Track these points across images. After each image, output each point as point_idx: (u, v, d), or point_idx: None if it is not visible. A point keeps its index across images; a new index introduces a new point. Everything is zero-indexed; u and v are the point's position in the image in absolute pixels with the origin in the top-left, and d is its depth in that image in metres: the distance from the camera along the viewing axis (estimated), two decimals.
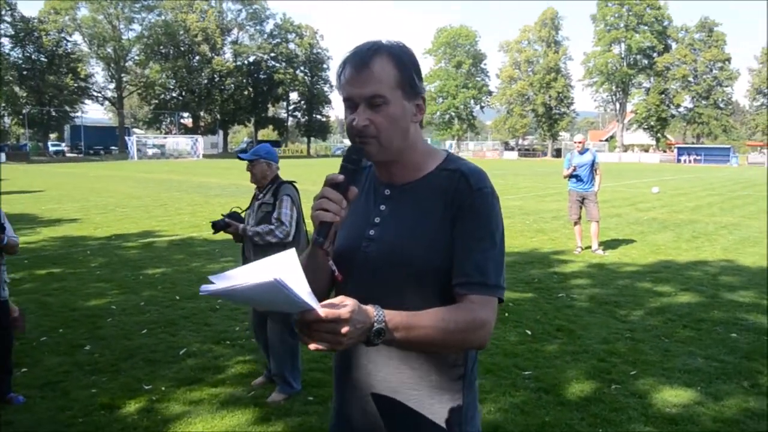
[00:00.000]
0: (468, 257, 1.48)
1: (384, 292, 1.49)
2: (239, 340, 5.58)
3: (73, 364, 4.96)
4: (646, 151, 73.22)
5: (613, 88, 74.55)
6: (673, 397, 4.33)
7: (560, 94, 75.93)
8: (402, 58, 1.52)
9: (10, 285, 7.58)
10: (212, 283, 1.27)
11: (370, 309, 1.32)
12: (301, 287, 1.23)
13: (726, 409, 4.15)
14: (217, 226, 4.49)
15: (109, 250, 10.18)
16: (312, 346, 1.27)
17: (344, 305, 1.27)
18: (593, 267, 8.83)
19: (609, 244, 10.56)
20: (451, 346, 1.49)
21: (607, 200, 17.74)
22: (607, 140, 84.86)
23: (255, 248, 4.34)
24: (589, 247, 10.01)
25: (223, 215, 4.56)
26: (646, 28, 71.67)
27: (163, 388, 4.46)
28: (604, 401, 4.24)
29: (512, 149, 77.83)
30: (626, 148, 75.81)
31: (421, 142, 1.61)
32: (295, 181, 4.59)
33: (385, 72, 1.49)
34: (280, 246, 4.11)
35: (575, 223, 10.15)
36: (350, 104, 1.51)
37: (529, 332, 5.75)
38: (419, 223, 1.53)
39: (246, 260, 4.49)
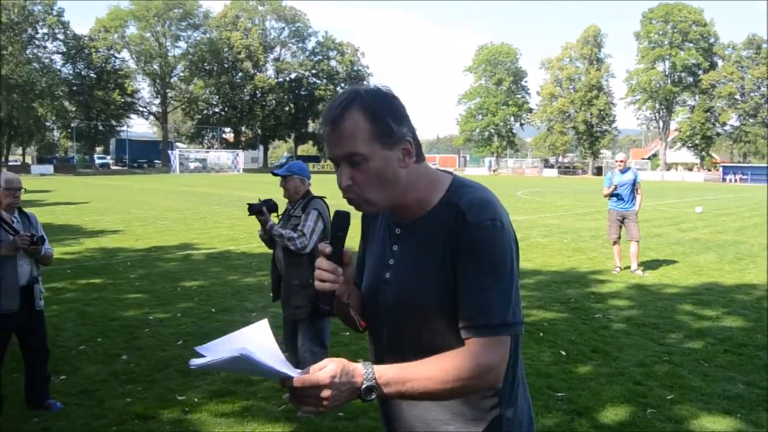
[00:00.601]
0: (469, 298, 1.43)
1: (402, 332, 1.53)
2: None
3: (109, 373, 5.07)
4: (690, 170, 71.59)
5: (657, 105, 73.26)
6: (711, 423, 4.20)
7: (602, 112, 74.94)
8: (373, 109, 1.44)
9: (52, 293, 7.84)
10: (200, 356, 1.36)
11: (359, 367, 1.34)
12: (273, 357, 1.29)
13: None
14: (253, 209, 4.55)
15: (149, 262, 10.39)
16: (300, 413, 1.34)
17: (325, 369, 1.30)
18: (632, 288, 8.65)
19: (649, 265, 10.34)
20: (455, 395, 1.44)
21: (648, 219, 17.39)
22: (649, 158, 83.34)
23: (284, 252, 4.46)
24: (629, 267, 9.82)
25: (260, 199, 4.62)
26: (691, 45, 70.39)
27: (195, 400, 4.51)
28: (639, 425, 4.13)
29: (552, 167, 77.05)
30: (669, 166, 74.33)
31: (423, 177, 1.54)
32: (325, 197, 4.65)
33: (358, 127, 1.43)
34: (303, 255, 4.33)
35: (614, 243, 9.97)
36: (335, 163, 1.49)
37: (563, 353, 5.65)
38: (424, 266, 1.50)
39: (276, 262, 4.62)
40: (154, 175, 53.36)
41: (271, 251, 4.77)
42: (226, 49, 71.42)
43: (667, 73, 72.55)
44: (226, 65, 72.73)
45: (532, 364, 5.28)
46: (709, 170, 69.30)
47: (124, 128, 73.80)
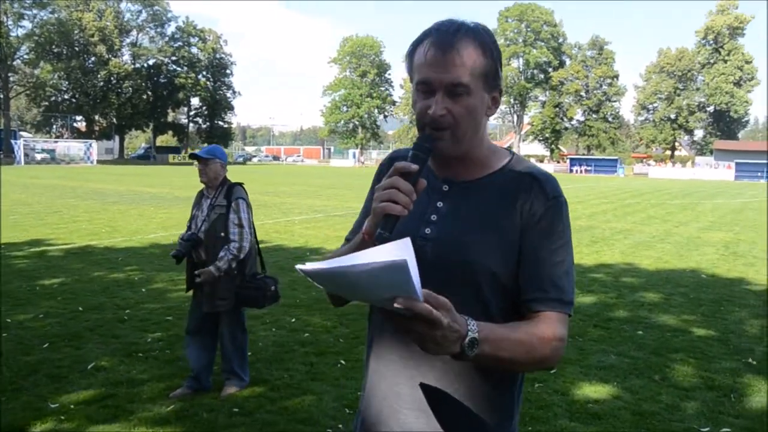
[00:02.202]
0: (543, 271, 1.38)
1: (447, 291, 1.32)
2: (152, 352, 5.28)
3: None
4: (541, 161, 76.49)
5: (512, 100, 77.61)
6: (593, 393, 4.49)
7: None
8: (489, 45, 1.38)
9: None
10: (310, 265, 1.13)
11: (463, 317, 1.20)
12: (416, 274, 1.10)
13: (642, 402, 4.35)
14: (179, 256, 4.34)
15: None
16: (422, 343, 1.15)
17: (442, 305, 1.14)
18: None
19: None
20: (531, 364, 1.37)
21: None
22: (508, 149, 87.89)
23: (209, 244, 4.35)
24: None
25: (181, 239, 4.37)
26: (542, 44, 75.24)
27: (72, 406, 4.13)
28: (530, 400, 4.32)
29: None
30: None
31: (487, 138, 1.49)
32: (243, 183, 4.56)
33: (471, 58, 1.35)
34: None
35: None
36: (426, 89, 1.37)
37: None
38: (480, 225, 1.41)
39: (192, 253, 4.42)
40: None
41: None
42: (77, 31, 66.18)
43: (521, 69, 76.97)
44: (77, 48, 67.44)
45: None
46: (558, 162, 74.42)
47: None
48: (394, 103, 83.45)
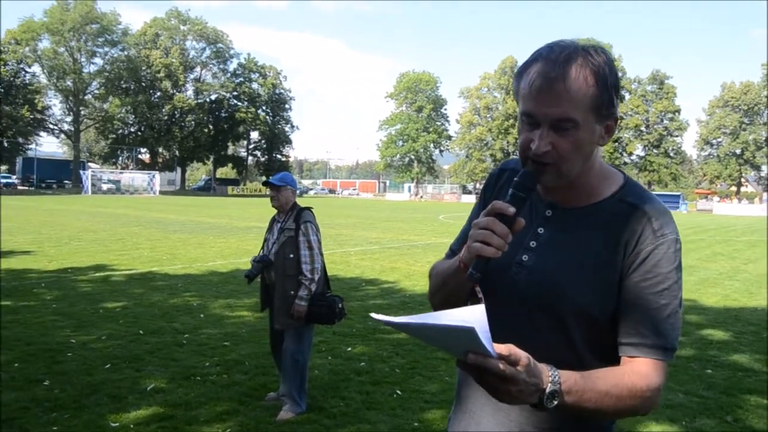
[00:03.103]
0: (644, 315, 1.30)
1: (525, 325, 1.34)
2: (210, 376, 5.32)
3: (31, 400, 4.63)
4: None
5: None
6: (661, 431, 4.27)
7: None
8: (605, 74, 1.27)
9: None
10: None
11: (545, 368, 1.17)
12: (487, 337, 1.11)
13: None
14: (250, 276, 4.58)
15: (65, 283, 9.75)
16: (498, 396, 1.14)
17: (518, 360, 1.12)
18: None
19: None
20: (618, 414, 1.29)
21: None
22: None
23: (279, 263, 4.50)
24: None
25: (253, 261, 4.62)
26: None
27: (131, 426, 4.18)
28: None
29: (470, 193, 78.93)
30: None
31: (599, 162, 1.39)
32: (312, 207, 4.75)
33: (581, 91, 1.25)
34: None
35: None
36: (531, 120, 1.29)
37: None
38: (581, 258, 1.33)
39: (265, 274, 4.66)
40: (64, 196, 50.77)
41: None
42: (144, 68, 69.35)
43: None
44: (144, 84, 70.55)
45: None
46: None
47: (33, 146, 70.01)
48: (449, 137, 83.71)
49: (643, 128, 74.79)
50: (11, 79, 64.30)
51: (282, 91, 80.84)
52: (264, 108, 78.94)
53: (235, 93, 76.91)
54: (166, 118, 72.23)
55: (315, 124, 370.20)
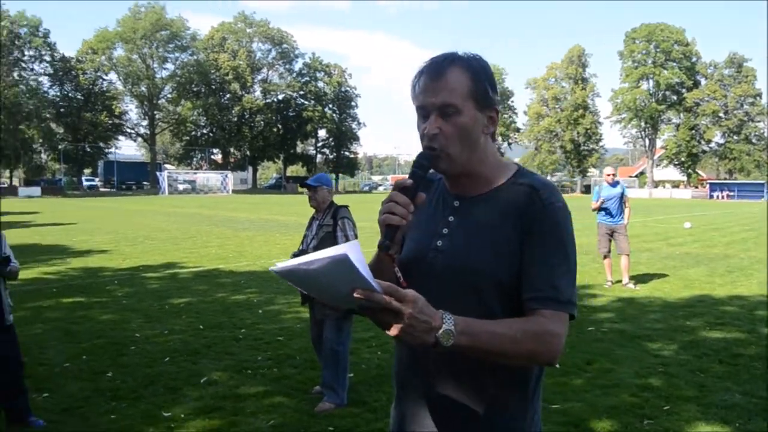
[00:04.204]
0: (539, 272, 1.47)
1: (446, 303, 1.45)
2: (261, 370, 5.50)
3: (94, 390, 4.93)
4: (677, 187, 72.26)
5: (642, 124, 73.98)
6: None
7: (588, 131, 75.66)
8: (476, 69, 1.53)
9: (36, 312, 7.71)
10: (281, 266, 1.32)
11: (439, 312, 1.32)
12: (365, 269, 1.25)
13: None
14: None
15: (136, 280, 10.25)
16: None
17: (404, 297, 1.28)
18: (624, 301, 8.60)
19: (640, 278, 10.31)
20: (519, 357, 1.44)
21: (638, 235, 17.42)
22: (637, 176, 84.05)
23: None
24: (620, 281, 9.78)
25: (292, 256, 4.70)
26: (674, 64, 71.36)
27: (182, 416, 4.39)
28: None
29: None
30: (657, 184, 74.98)
31: (493, 155, 1.60)
32: (347, 205, 4.92)
33: (458, 82, 1.50)
34: None
35: (605, 257, 9.95)
36: (423, 113, 1.53)
37: (557, 366, 5.56)
38: (487, 236, 1.52)
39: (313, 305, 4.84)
40: (142, 197, 53.04)
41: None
42: (213, 71, 71.51)
43: (651, 91, 73.40)
44: (213, 87, 72.75)
45: None
46: (696, 187, 69.93)
47: (112, 150, 73.52)
48: (517, 130, 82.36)
49: (721, 114, 71.40)
50: (90, 86, 67.75)
51: (348, 88, 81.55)
52: (330, 106, 79.85)
53: (301, 92, 78.14)
54: (236, 119, 74.25)
55: (383, 121, 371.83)
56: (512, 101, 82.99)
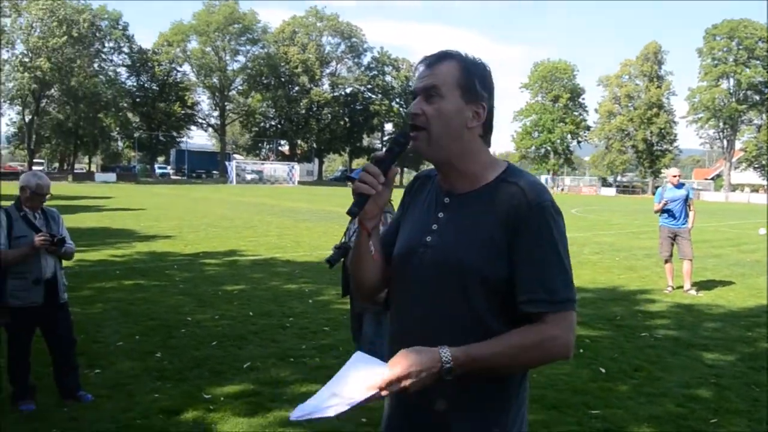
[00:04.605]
0: (531, 274, 1.48)
1: (434, 299, 1.54)
2: (303, 359, 5.58)
3: (142, 369, 5.13)
4: (757, 191, 68.88)
5: (721, 124, 70.75)
6: None
7: (662, 130, 72.95)
8: (470, 65, 1.57)
9: (98, 292, 8.06)
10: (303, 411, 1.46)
11: (435, 352, 1.40)
12: (360, 392, 1.40)
13: None
14: (330, 261, 4.66)
15: (195, 266, 10.57)
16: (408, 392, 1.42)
17: (396, 367, 1.39)
18: (683, 307, 8.28)
19: (704, 285, 9.91)
20: (525, 367, 1.56)
21: (708, 240, 16.75)
22: (713, 179, 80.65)
23: None
24: (681, 286, 9.42)
25: (335, 247, 4.75)
26: (757, 62, 67.86)
27: (222, 399, 4.51)
28: None
29: (610, 186, 75.34)
30: (734, 187, 71.67)
31: (484, 153, 1.62)
32: (392, 200, 4.84)
33: (447, 71, 1.55)
34: None
35: (666, 261, 9.60)
36: (413, 97, 1.60)
37: (603, 370, 5.43)
38: (474, 233, 1.53)
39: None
40: (211, 185, 54.64)
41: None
42: (283, 64, 72.75)
43: (731, 90, 70.05)
44: (283, 79, 74.02)
45: (568, 381, 5.08)
46: None
47: (184, 139, 76.06)
48: (588, 128, 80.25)
49: None
50: (165, 78, 70.27)
51: None
52: (397, 100, 79.93)
53: (369, 86, 78.58)
54: (303, 111, 75.36)
55: None
56: (583, 98, 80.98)
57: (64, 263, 4.59)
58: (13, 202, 4.44)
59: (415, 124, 1.56)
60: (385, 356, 4.54)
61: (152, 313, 7.10)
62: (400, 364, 1.38)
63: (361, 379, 1.41)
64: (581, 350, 5.94)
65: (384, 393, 1.37)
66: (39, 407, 4.32)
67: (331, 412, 1.37)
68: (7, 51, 55.24)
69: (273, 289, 8.75)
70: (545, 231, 1.49)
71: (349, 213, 1.54)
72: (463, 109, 1.55)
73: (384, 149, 1.59)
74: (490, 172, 1.59)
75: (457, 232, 1.56)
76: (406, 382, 1.37)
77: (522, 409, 1.60)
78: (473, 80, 1.55)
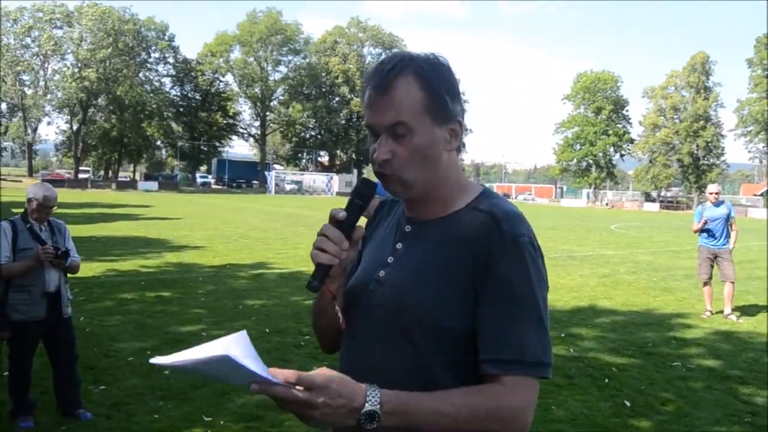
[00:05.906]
0: (499, 327, 1.21)
1: (383, 342, 1.28)
2: None
3: (147, 387, 5.02)
4: None
5: None
6: None
7: (709, 144, 71.01)
8: (430, 77, 1.28)
9: (118, 304, 8.04)
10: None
11: (362, 387, 1.12)
12: (256, 362, 1.09)
13: None
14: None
15: (220, 279, 10.53)
16: (308, 423, 1.11)
17: (321, 373, 1.11)
18: (721, 334, 7.85)
19: (745, 310, 9.41)
20: None
21: (752, 260, 16.06)
22: (762, 195, 78.08)
23: None
24: (721, 311, 8.95)
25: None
26: None
27: (221, 422, 4.37)
28: None
29: (654, 201, 73.51)
30: None
31: (456, 173, 1.36)
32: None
33: (409, 96, 1.26)
34: None
35: (705, 284, 9.13)
36: (372, 132, 1.31)
37: (627, 403, 5.11)
38: (432, 269, 1.28)
39: None
40: (250, 195, 55.29)
41: None
42: (324, 74, 73.50)
43: None
44: (323, 90, 74.78)
45: (589, 414, 4.79)
46: None
47: (226, 149, 77.34)
48: (631, 141, 78.66)
49: None
50: (207, 87, 71.65)
51: None
52: None
53: None
54: (343, 122, 75.94)
55: (491, 128, 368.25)
56: (627, 110, 79.48)
57: (73, 276, 4.53)
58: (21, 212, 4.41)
59: (384, 172, 1.29)
60: None
61: (168, 326, 7.04)
62: (325, 375, 1.10)
63: (253, 357, 1.10)
64: (606, 380, 5.63)
65: (280, 391, 1.07)
66: (37, 425, 4.24)
67: (199, 363, 1.06)
68: (58, 61, 57.05)
69: (293, 305, 8.62)
70: (519, 270, 1.22)
71: (308, 288, 1.26)
72: (438, 135, 1.29)
73: (345, 205, 1.30)
74: (461, 196, 1.34)
75: (415, 267, 1.30)
76: (318, 398, 1.07)
77: None
78: (441, 96, 1.28)
